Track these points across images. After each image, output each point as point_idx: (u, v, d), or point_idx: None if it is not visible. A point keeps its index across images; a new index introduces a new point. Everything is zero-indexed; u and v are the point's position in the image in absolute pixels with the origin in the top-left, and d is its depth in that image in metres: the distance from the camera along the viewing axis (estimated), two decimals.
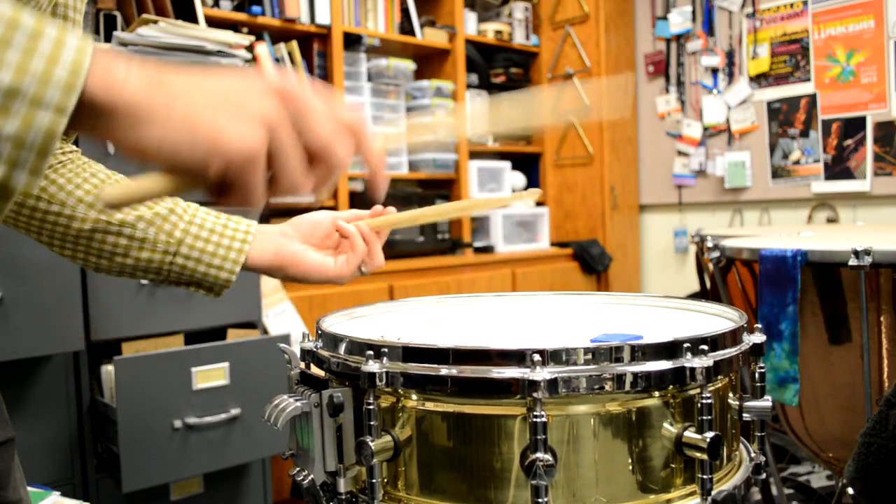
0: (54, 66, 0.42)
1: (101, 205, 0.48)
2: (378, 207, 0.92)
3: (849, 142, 3.28)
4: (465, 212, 0.90)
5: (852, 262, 1.36)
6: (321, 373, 0.75)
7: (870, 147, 3.23)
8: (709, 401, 0.65)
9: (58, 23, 0.45)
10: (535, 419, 0.61)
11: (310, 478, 0.72)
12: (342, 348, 0.73)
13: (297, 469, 0.74)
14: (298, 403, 0.72)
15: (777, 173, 3.52)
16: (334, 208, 3.02)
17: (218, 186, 0.50)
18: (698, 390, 0.66)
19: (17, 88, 0.41)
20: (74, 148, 0.88)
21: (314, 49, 3.00)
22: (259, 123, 0.48)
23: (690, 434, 0.65)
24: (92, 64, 0.44)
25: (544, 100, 0.75)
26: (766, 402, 0.75)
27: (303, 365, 0.78)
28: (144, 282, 1.82)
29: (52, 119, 0.42)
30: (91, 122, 0.46)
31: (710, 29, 3.71)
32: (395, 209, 0.92)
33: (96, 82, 0.44)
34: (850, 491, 1.10)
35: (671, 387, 0.65)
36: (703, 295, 2.51)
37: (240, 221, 0.89)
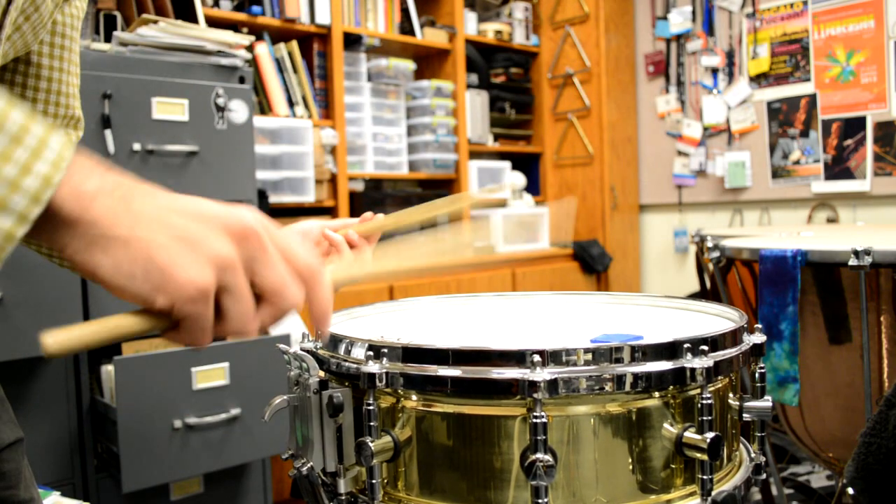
0: (26, 176, 0.43)
1: (42, 351, 0.49)
2: (367, 215, 0.93)
3: (849, 142, 3.28)
4: (450, 207, 0.90)
5: (852, 262, 1.36)
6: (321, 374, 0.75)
7: (870, 147, 3.22)
8: (709, 401, 0.65)
9: (46, 122, 0.45)
10: (535, 420, 0.61)
11: (310, 478, 0.72)
12: (342, 349, 0.73)
13: (297, 469, 0.74)
14: (285, 396, 0.72)
15: (777, 173, 3.52)
16: (334, 208, 3.02)
17: (166, 322, 0.50)
18: (698, 391, 0.66)
19: None
20: None
21: (314, 49, 3.00)
22: (212, 263, 0.48)
23: (691, 434, 0.65)
24: (66, 174, 0.45)
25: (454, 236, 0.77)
26: (766, 402, 0.75)
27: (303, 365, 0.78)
28: None
29: (13, 225, 0.43)
30: (51, 229, 0.46)
31: (710, 29, 3.71)
32: (382, 216, 0.94)
33: (66, 193, 0.45)
34: (850, 491, 1.10)
35: (671, 387, 0.65)
36: (703, 295, 2.51)
37: None
